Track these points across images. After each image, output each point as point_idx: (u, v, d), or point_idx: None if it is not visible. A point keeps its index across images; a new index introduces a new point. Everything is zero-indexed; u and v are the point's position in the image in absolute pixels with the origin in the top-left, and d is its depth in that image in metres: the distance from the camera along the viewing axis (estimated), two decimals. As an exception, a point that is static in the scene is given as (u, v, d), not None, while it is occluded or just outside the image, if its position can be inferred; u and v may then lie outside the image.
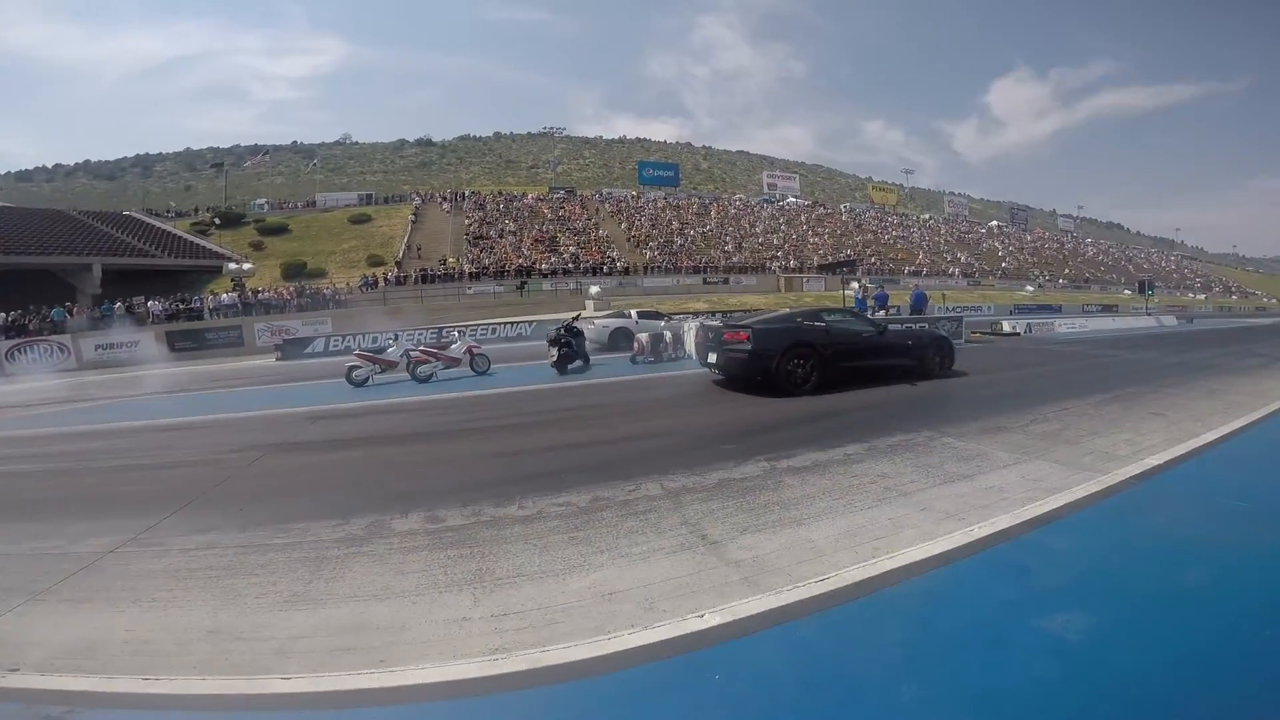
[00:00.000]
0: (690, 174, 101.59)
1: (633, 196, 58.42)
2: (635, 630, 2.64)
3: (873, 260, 51.29)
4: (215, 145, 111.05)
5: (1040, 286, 56.06)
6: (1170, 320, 29.61)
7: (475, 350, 12.17)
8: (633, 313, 20.50)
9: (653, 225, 50.07)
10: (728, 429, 6.65)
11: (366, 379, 11.44)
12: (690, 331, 13.41)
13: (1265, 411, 7.04)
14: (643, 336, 12.97)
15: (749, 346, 8.43)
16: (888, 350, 9.46)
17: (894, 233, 64.30)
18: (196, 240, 39.67)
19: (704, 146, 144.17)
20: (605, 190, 62.66)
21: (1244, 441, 5.75)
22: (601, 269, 39.76)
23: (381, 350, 12.54)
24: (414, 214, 47.48)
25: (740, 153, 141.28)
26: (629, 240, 46.52)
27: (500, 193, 55.71)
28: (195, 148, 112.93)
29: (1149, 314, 30.62)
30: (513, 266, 38.44)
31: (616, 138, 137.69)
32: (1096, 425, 6.39)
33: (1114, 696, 2.15)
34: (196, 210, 53.42)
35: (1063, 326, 23.75)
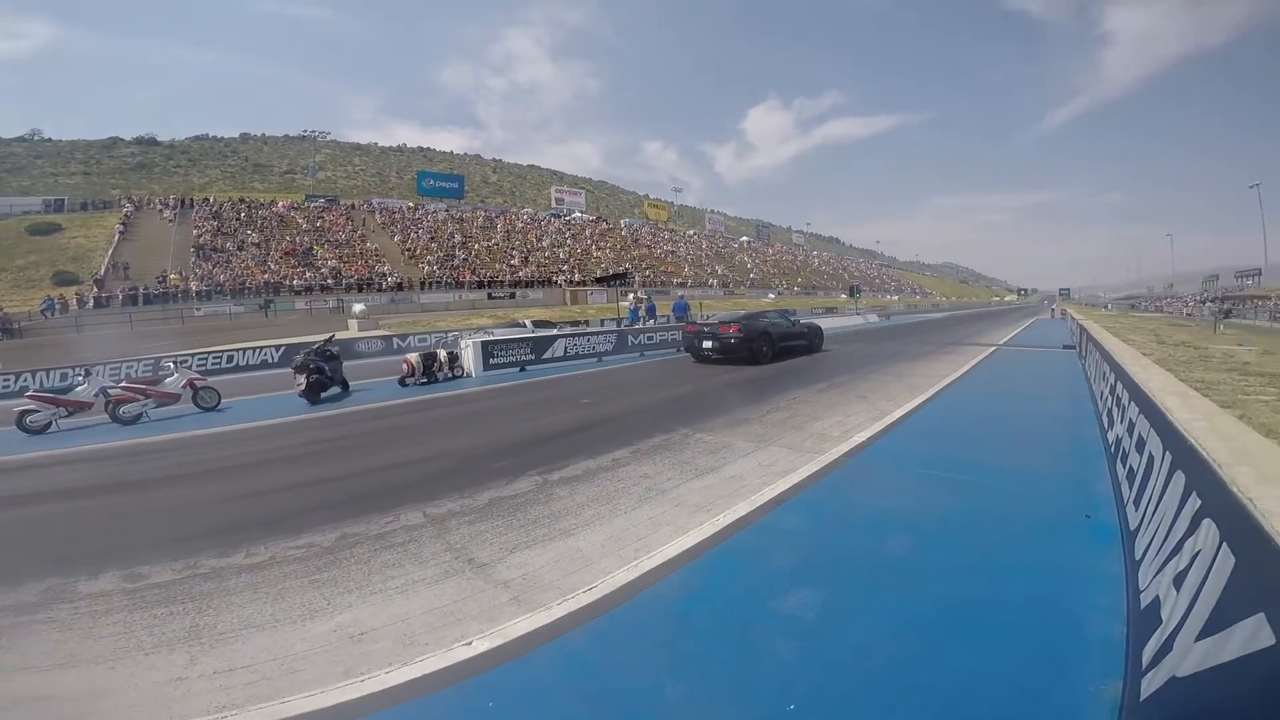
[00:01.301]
0: (478, 186, 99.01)
1: (409, 208, 54.85)
2: (393, 668, 2.49)
3: (647, 273, 54.86)
4: None
5: (780, 294, 65.11)
6: (873, 318, 36.60)
7: (199, 383, 10.18)
8: (528, 322, 19.67)
9: (432, 238, 47.55)
10: (504, 445, 6.48)
11: (48, 425, 9.00)
12: (469, 348, 12.92)
13: (936, 389, 9.12)
14: (412, 356, 12.07)
15: (741, 335, 12.76)
16: (798, 336, 14.75)
17: (665, 247, 69.50)
18: None
19: (494, 159, 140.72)
20: (377, 200, 57.73)
21: (922, 415, 7.24)
22: (369, 284, 36.57)
23: (68, 389, 9.93)
24: (122, 223, 38.84)
25: (531, 167, 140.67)
26: (404, 254, 43.53)
27: (242, 199, 48.23)
28: None
29: (858, 314, 37.47)
30: (256, 283, 33.48)
31: (395, 145, 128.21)
32: (817, 410, 7.58)
33: (845, 664, 2.43)
34: None
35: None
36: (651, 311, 18.77)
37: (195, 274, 33.10)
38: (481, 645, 2.61)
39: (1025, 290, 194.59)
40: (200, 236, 37.82)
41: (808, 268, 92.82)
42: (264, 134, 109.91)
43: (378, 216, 50.08)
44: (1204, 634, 1.62)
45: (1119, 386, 5.15)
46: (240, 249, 37.49)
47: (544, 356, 13.68)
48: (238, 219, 42.04)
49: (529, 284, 43.24)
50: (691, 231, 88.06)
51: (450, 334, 20.79)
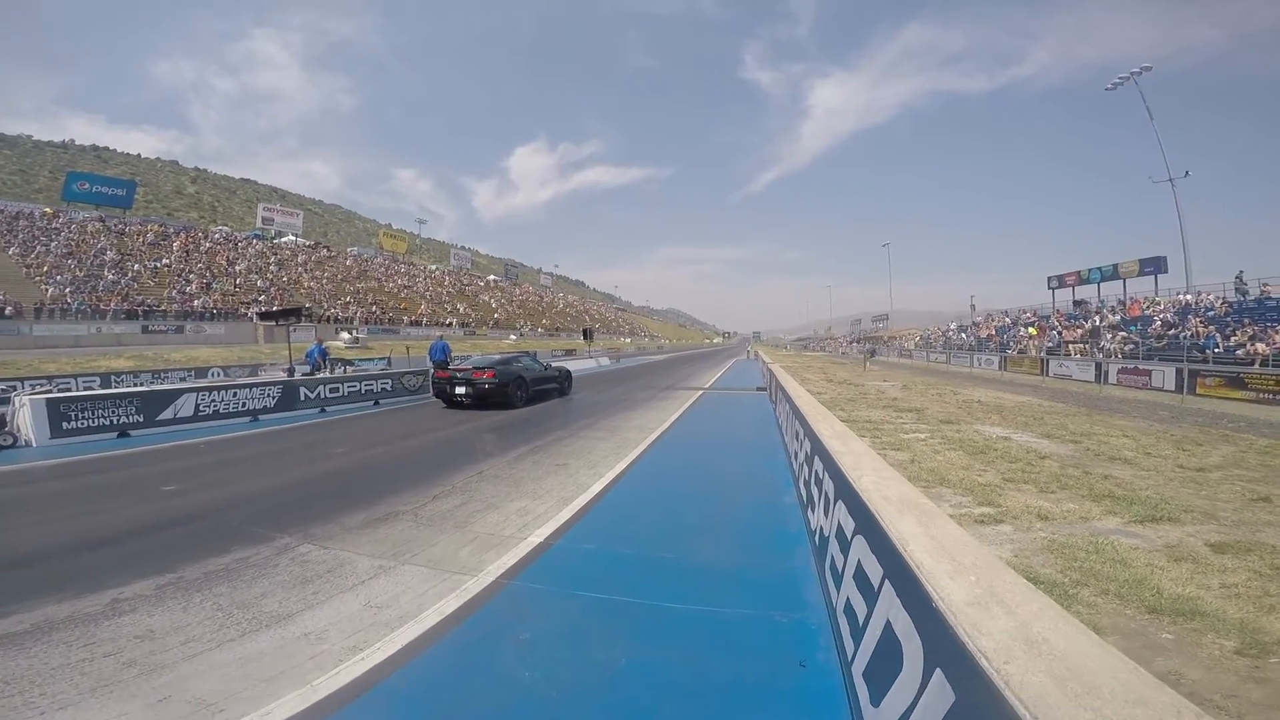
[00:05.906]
0: (168, 197, 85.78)
1: (44, 214, 41.66)
2: None
3: (374, 309, 49.27)
4: None
5: (523, 335, 64.10)
6: (606, 361, 37.03)
7: None
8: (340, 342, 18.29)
9: (69, 253, 36.12)
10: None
11: None
12: (26, 406, 8.76)
13: (642, 447, 8.08)
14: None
15: (496, 381, 12.31)
16: (550, 380, 14.85)
17: (400, 281, 63.80)
18: None
19: (197, 168, 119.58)
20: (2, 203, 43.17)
21: (621, 488, 6.00)
22: (-60, 308, 25.85)
23: None
24: None
25: (245, 180, 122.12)
26: (26, 270, 32.43)
27: None
28: None
29: (592, 356, 37.61)
30: None
31: (62, 140, 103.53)
32: (501, 489, 5.94)
33: None
34: None
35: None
36: (324, 355, 16.10)
37: None
38: None
39: (729, 333, 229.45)
40: None
41: (553, 309, 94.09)
42: None
43: (-8, 223, 36.83)
44: None
45: (817, 462, 4.40)
46: None
47: (160, 417, 9.77)
48: None
49: (207, 315, 35.07)
50: (434, 267, 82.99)
51: (49, 382, 14.80)
